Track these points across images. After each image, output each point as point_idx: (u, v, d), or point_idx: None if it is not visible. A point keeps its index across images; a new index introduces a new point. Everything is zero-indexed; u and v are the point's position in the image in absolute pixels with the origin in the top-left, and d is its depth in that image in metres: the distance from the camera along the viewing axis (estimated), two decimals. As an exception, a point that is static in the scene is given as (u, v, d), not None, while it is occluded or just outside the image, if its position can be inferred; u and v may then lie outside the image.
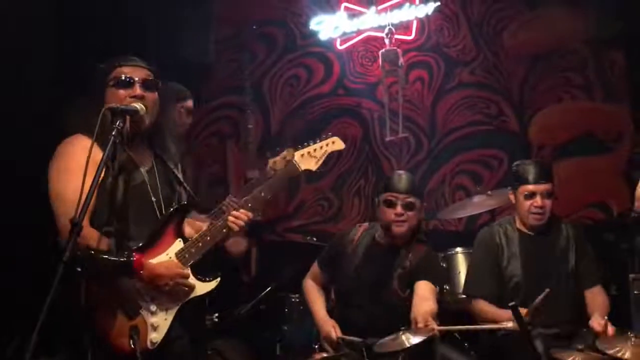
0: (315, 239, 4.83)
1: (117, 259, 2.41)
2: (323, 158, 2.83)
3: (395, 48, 5.20)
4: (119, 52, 2.66)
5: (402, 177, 3.62)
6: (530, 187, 3.60)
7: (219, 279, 2.65)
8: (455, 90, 5.37)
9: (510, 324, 3.11)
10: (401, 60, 5.21)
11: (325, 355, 3.44)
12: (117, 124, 2.38)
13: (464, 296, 3.94)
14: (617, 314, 3.65)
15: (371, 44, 5.46)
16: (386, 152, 5.48)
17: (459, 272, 4.12)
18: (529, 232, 3.69)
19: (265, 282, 4.42)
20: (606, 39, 5.03)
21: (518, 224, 3.73)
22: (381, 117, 5.41)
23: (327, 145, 2.85)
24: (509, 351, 3.36)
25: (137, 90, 2.56)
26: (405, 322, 3.27)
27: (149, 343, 2.48)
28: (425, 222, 5.04)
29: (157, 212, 2.61)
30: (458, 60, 5.38)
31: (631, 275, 3.87)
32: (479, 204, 4.47)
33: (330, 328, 3.49)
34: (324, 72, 5.58)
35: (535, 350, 2.95)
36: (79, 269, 2.26)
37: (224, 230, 2.65)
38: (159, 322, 2.52)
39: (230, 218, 2.67)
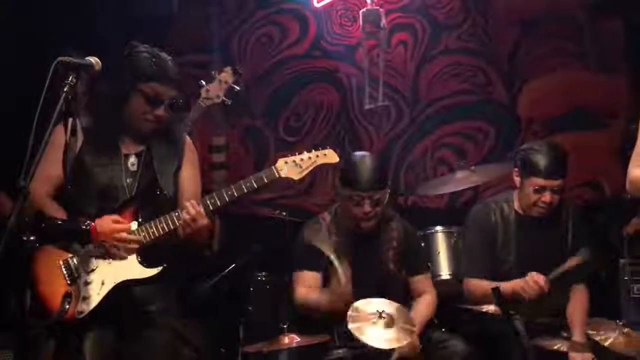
0: (285, 213, 4.72)
1: (73, 226, 2.55)
2: (310, 169, 2.76)
3: (377, 8, 5.09)
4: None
5: (365, 169, 3.43)
6: (541, 181, 3.40)
7: (160, 268, 2.64)
8: (441, 57, 5.31)
9: (491, 307, 3.11)
10: (383, 22, 5.11)
11: (294, 336, 3.41)
12: (70, 79, 2.34)
13: (443, 278, 3.98)
14: (605, 301, 3.69)
15: (351, 2, 5.36)
16: (364, 121, 5.41)
17: (439, 253, 4.07)
18: (526, 215, 3.57)
19: (229, 259, 4.36)
20: (604, 4, 5.02)
21: (516, 205, 3.61)
22: (360, 83, 5.34)
23: (317, 156, 2.76)
24: (494, 336, 3.33)
25: (162, 111, 2.69)
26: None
27: (76, 312, 2.56)
28: (403, 198, 5.09)
29: (124, 196, 2.70)
30: (445, 23, 5.31)
31: (622, 261, 3.89)
32: (462, 179, 4.40)
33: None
34: (299, 31, 5.47)
35: (518, 333, 2.90)
36: (25, 238, 2.38)
37: (179, 222, 2.64)
38: (90, 295, 2.59)
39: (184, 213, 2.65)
